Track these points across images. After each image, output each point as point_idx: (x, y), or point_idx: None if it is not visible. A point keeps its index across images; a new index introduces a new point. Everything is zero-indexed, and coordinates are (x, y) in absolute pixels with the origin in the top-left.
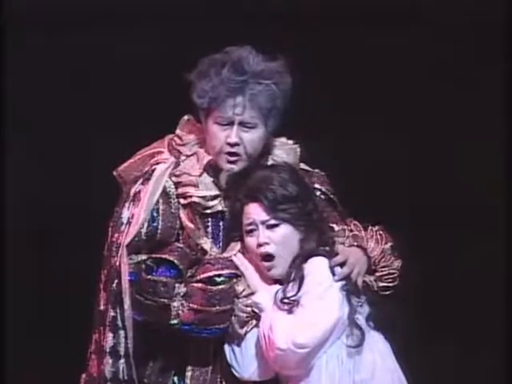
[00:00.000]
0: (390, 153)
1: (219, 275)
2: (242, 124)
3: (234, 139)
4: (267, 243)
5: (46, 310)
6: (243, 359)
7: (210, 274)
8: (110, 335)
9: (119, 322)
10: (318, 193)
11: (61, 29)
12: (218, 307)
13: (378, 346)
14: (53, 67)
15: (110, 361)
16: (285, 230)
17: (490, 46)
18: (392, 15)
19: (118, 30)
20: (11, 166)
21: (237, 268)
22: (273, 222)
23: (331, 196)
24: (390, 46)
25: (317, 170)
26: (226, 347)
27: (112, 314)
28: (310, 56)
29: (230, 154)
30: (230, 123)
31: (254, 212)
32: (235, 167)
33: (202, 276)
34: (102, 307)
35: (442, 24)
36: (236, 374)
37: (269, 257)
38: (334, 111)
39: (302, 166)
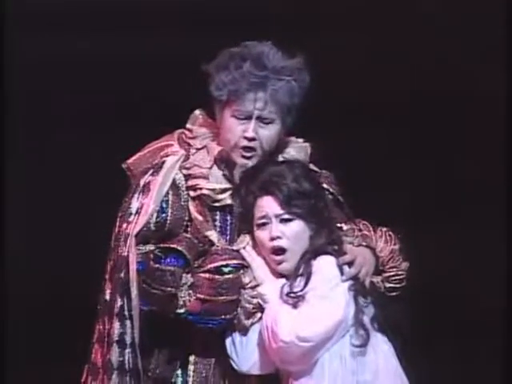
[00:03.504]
0: (393, 153)
1: (226, 265)
2: (259, 119)
3: (251, 134)
4: (280, 237)
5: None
6: (243, 352)
7: (217, 263)
8: (117, 324)
9: (126, 312)
10: (326, 193)
11: (66, 23)
12: (224, 297)
13: (381, 347)
14: (63, 58)
15: (118, 350)
16: (298, 225)
17: (491, 46)
18: (392, 15)
19: (124, 25)
20: (12, 163)
21: (244, 259)
22: (287, 216)
23: (339, 197)
24: (391, 45)
25: (324, 171)
26: (227, 339)
27: (119, 303)
28: (310, 56)
29: (246, 148)
30: (248, 117)
31: (268, 205)
32: (249, 162)
33: (209, 266)
34: (107, 297)
35: (442, 24)
36: (235, 366)
37: (281, 251)
38: (337, 112)
39: (311, 166)
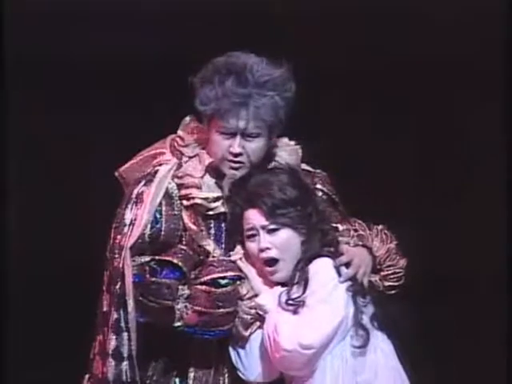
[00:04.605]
0: (391, 153)
1: (223, 277)
2: (245, 134)
3: (237, 150)
4: (269, 248)
5: (47, 311)
6: (248, 361)
7: (214, 276)
8: (112, 337)
9: (122, 324)
10: (320, 193)
11: (60, 28)
12: (221, 309)
13: (381, 346)
14: (53, 67)
15: (113, 363)
16: (285, 233)
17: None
18: (392, 15)
19: (119, 29)
20: (12, 164)
21: (240, 270)
22: (273, 226)
23: (333, 196)
24: (390, 45)
25: (318, 171)
26: (231, 349)
27: (115, 316)
28: (310, 56)
29: (233, 162)
30: (233, 133)
31: (254, 217)
32: (238, 173)
33: (206, 278)
34: (105, 309)
35: (442, 24)
36: (242, 376)
37: (272, 261)
38: (334, 111)
39: (304, 166)
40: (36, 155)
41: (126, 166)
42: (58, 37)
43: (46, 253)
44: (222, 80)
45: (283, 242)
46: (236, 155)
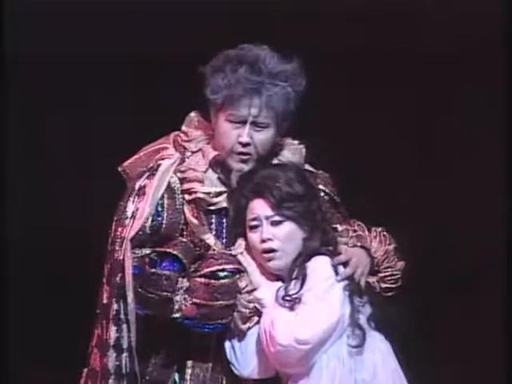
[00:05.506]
0: (392, 153)
1: (222, 270)
2: (254, 124)
3: (245, 139)
4: (271, 239)
5: (47, 311)
6: (243, 356)
7: (213, 268)
8: (113, 329)
9: (122, 316)
10: (322, 194)
11: (63, 21)
12: (220, 302)
13: (378, 346)
14: (55, 61)
15: (114, 354)
16: (289, 227)
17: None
18: (393, 15)
19: (119, 29)
20: (12, 164)
21: (240, 263)
22: (277, 218)
23: (335, 197)
24: (391, 45)
25: (321, 171)
26: (226, 344)
27: (115, 307)
28: (311, 55)
29: (241, 153)
30: (243, 122)
31: (259, 207)
32: (245, 167)
33: (206, 270)
34: (105, 301)
35: (442, 23)
36: (235, 371)
37: (271, 251)
38: (334, 112)
39: (307, 166)
40: (36, 155)
41: (130, 161)
42: (58, 37)
43: (46, 252)
44: (235, 69)
45: (285, 235)
46: (244, 145)
